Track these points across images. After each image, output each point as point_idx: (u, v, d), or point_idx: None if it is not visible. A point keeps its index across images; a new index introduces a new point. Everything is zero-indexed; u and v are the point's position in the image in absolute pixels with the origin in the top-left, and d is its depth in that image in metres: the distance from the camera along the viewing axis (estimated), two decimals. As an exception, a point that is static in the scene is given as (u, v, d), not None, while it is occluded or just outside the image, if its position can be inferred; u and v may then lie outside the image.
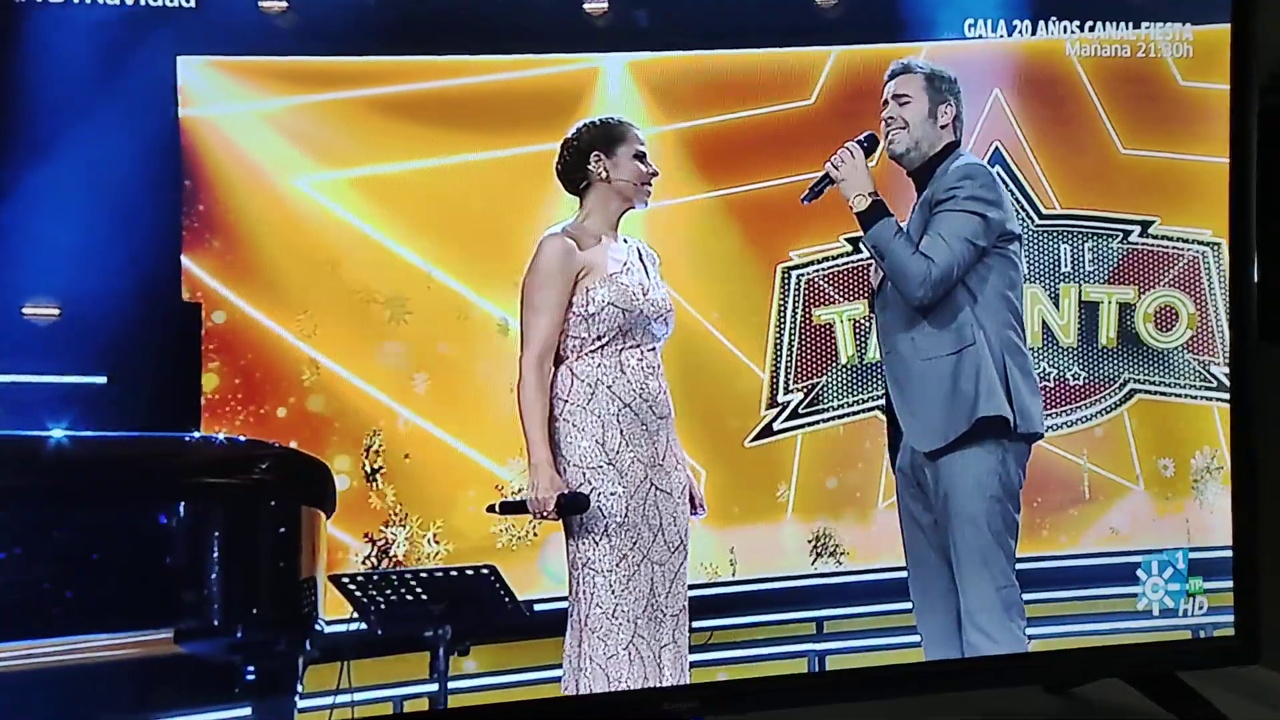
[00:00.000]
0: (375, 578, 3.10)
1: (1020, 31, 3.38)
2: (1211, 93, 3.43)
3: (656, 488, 3.09)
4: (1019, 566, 3.26)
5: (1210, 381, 3.51)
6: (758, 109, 3.29)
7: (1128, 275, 3.49)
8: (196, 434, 3.02)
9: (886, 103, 3.28)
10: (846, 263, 3.40)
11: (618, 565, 3.05)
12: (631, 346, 3.10)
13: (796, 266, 3.37)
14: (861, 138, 3.23)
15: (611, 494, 3.06)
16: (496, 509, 3.08)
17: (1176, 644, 3.50)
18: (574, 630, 3.08)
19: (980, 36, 3.32)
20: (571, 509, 3.03)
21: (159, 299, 2.97)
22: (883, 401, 3.38)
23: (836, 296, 3.41)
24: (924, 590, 3.29)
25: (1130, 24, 3.41)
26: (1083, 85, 3.42)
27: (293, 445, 3.08)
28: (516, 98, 3.16)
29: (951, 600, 3.26)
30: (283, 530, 3.05)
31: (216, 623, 2.96)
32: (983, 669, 3.27)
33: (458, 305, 3.16)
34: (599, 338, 3.07)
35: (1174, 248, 3.50)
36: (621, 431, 3.07)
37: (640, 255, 3.20)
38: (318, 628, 3.10)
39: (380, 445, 3.12)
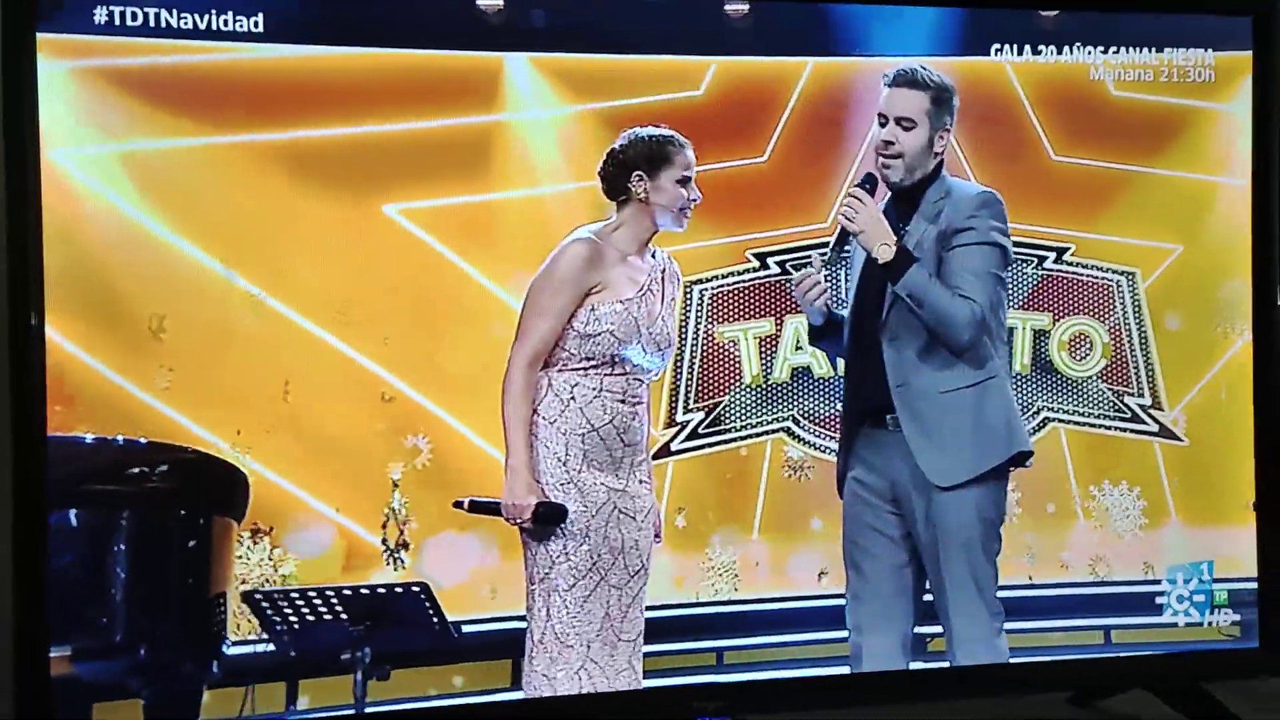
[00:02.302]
0: (293, 594, 3.23)
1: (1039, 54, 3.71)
2: (1145, 104, 3.77)
3: (620, 510, 3.29)
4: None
5: (1124, 412, 3.83)
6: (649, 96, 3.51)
7: (1042, 301, 3.80)
8: (89, 435, 3.14)
9: (885, 118, 3.40)
10: (754, 279, 3.64)
11: (574, 586, 3.24)
12: (618, 374, 3.28)
13: (700, 280, 3.60)
14: (863, 180, 3.40)
15: (570, 512, 3.23)
16: (465, 506, 3.28)
17: (1200, 654, 3.84)
18: (528, 650, 3.27)
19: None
20: (548, 519, 3.21)
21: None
22: (790, 423, 3.65)
23: (742, 313, 3.64)
24: (872, 611, 3.47)
25: (1154, 49, 3.76)
26: (1016, 96, 3.72)
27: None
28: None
29: (900, 624, 3.47)
30: (191, 542, 3.19)
31: (117, 640, 3.09)
32: (1008, 677, 3.59)
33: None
34: (588, 359, 3.26)
35: (1089, 275, 3.81)
36: (585, 453, 3.25)
37: (664, 275, 3.38)
38: (224, 649, 3.24)
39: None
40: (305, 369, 3.34)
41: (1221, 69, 3.81)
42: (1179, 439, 3.89)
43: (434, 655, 3.40)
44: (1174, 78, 3.80)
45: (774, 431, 3.69)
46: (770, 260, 3.67)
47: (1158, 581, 3.86)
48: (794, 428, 3.69)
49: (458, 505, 3.31)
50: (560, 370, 3.28)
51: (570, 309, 3.25)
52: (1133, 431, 3.87)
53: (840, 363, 3.62)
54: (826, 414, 3.68)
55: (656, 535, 3.42)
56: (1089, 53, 3.75)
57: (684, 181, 3.33)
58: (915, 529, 3.42)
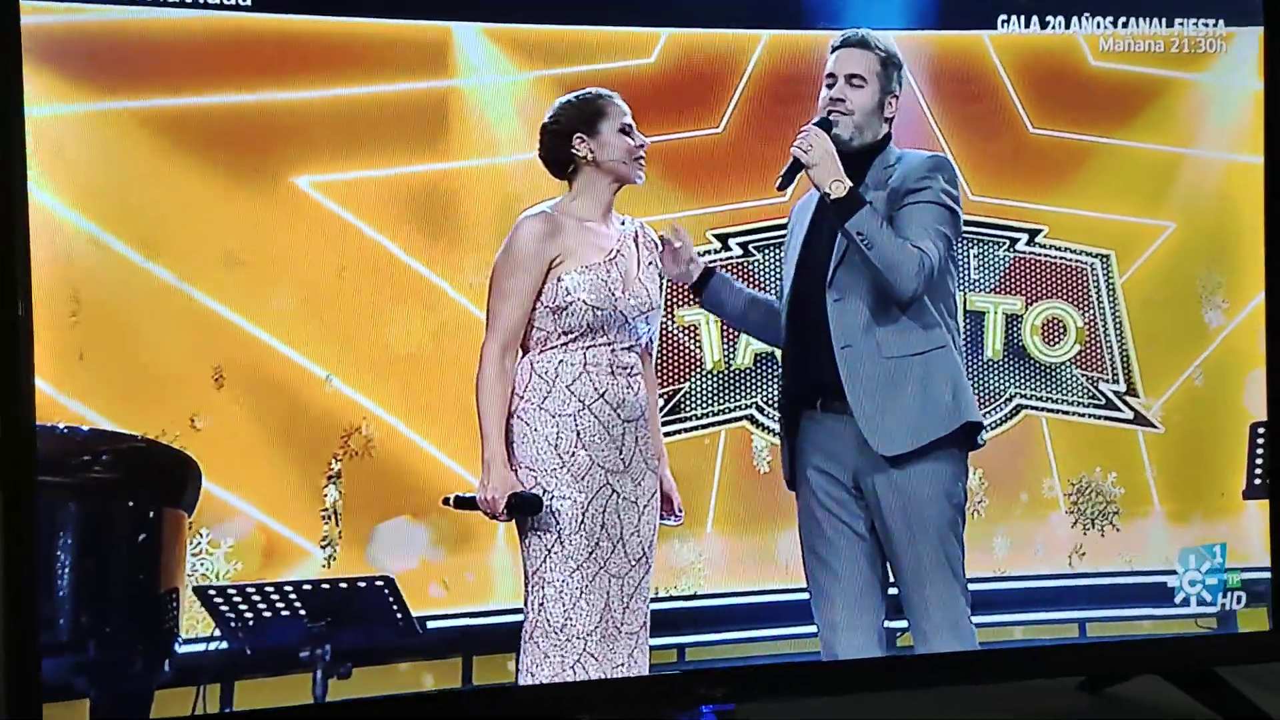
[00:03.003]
0: (249, 590, 3.23)
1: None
2: (1128, 75, 3.85)
3: (619, 495, 3.28)
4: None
5: (1099, 399, 3.88)
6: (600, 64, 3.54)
7: (1015, 285, 3.84)
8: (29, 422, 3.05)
9: (833, 78, 3.45)
10: (715, 260, 3.64)
11: (570, 576, 3.21)
12: (601, 344, 3.26)
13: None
14: (819, 120, 3.40)
15: (564, 499, 3.22)
16: (450, 503, 3.28)
17: (1213, 639, 3.94)
18: (523, 643, 3.25)
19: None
20: (521, 510, 3.20)
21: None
22: (754, 410, 3.69)
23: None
24: (845, 608, 3.49)
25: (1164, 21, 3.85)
26: (993, 66, 3.79)
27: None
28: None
29: (873, 618, 3.49)
30: (141, 536, 3.17)
31: (64, 639, 3.08)
32: (1017, 662, 3.73)
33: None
34: (566, 333, 3.24)
35: (1062, 258, 3.86)
36: (579, 434, 3.23)
37: (636, 240, 3.36)
38: (176, 647, 3.23)
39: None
40: (237, 355, 3.33)
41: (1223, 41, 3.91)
42: (1155, 426, 3.95)
43: (397, 652, 3.40)
44: (1184, 48, 3.88)
45: (737, 420, 3.72)
46: (732, 241, 3.70)
47: (1133, 573, 3.93)
48: (758, 415, 3.73)
49: (445, 502, 3.32)
50: (541, 351, 3.28)
51: (533, 287, 3.24)
52: (1107, 419, 3.92)
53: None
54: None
55: (677, 512, 3.44)
56: (1097, 24, 3.84)
57: (626, 130, 3.32)
58: (882, 515, 3.45)
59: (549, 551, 3.23)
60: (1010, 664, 3.76)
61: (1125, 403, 3.93)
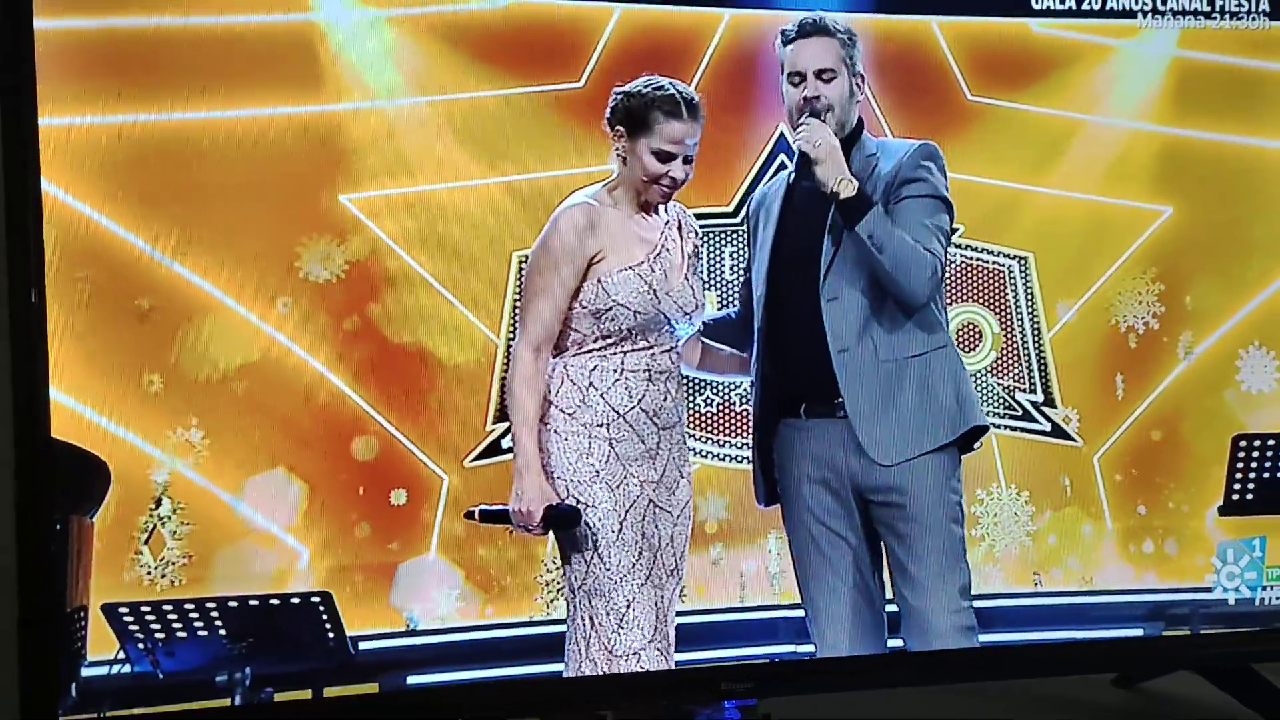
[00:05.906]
0: (164, 607, 3.17)
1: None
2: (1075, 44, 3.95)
3: (656, 505, 3.29)
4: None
5: (1014, 410, 3.94)
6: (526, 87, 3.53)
7: None
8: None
9: (800, 76, 3.44)
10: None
11: (615, 590, 3.22)
12: (641, 349, 3.27)
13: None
14: (810, 111, 3.39)
15: (599, 509, 3.22)
16: (475, 516, 3.24)
17: (1251, 635, 4.06)
18: (573, 662, 3.27)
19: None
20: (559, 523, 3.20)
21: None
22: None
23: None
24: (850, 627, 3.51)
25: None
26: (941, 51, 3.87)
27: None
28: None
29: (877, 635, 3.53)
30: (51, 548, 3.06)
31: None
32: (1048, 658, 3.85)
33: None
34: (604, 337, 3.24)
35: (978, 259, 3.90)
36: (611, 443, 3.24)
37: (680, 230, 3.36)
38: (82, 669, 3.17)
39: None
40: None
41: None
42: (1073, 439, 4.01)
43: (324, 675, 3.35)
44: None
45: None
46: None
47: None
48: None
49: (468, 516, 3.30)
50: (575, 355, 3.27)
51: (571, 285, 3.22)
52: (1024, 431, 3.97)
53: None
54: (701, 413, 3.74)
55: None
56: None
57: (663, 156, 3.27)
58: (888, 520, 3.46)
59: (589, 567, 3.22)
60: (1043, 660, 3.89)
61: (1043, 414, 3.98)
